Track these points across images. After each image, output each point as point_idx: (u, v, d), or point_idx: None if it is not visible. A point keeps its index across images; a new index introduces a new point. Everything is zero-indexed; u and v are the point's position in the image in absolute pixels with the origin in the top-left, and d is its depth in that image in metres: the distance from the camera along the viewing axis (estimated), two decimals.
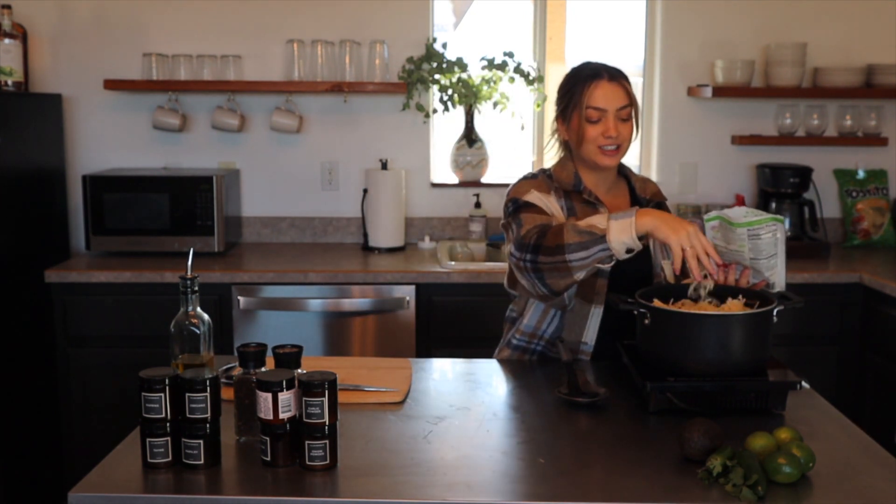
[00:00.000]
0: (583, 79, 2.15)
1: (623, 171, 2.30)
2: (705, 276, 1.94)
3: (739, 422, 1.74)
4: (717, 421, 1.60)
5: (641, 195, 2.27)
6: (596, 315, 2.14)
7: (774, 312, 1.84)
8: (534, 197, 2.13)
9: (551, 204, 2.14)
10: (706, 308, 1.89)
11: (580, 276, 1.95)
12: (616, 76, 2.15)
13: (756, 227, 1.90)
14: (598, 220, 1.92)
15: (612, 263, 1.96)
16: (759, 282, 1.99)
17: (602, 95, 2.12)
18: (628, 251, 1.91)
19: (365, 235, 3.66)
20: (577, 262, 1.91)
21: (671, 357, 1.84)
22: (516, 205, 2.13)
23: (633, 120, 2.16)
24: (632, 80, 2.20)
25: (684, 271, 1.92)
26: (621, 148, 2.15)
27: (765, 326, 1.84)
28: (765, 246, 1.92)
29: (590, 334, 2.15)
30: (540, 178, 2.20)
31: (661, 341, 1.86)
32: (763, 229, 1.90)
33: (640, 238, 1.90)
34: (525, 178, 2.21)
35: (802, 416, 1.83)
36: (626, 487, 1.51)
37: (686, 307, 1.90)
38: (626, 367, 1.97)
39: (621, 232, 1.88)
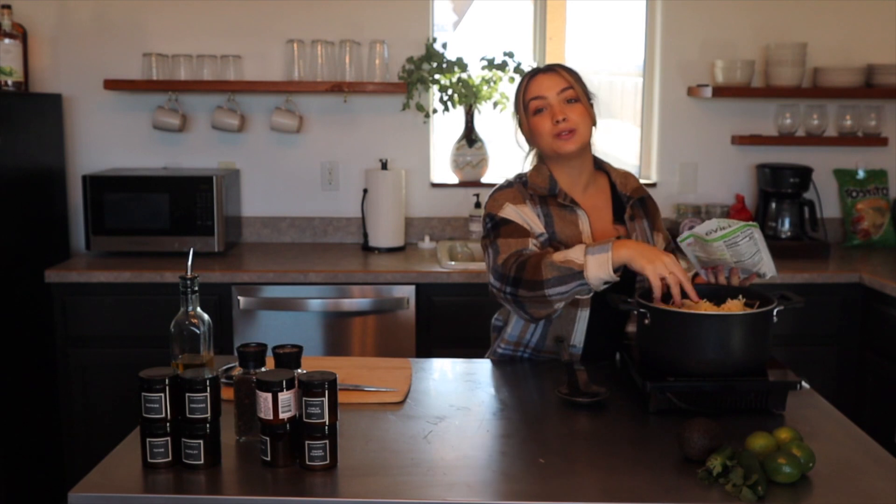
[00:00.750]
0: (522, 81, 2.21)
1: (602, 167, 2.29)
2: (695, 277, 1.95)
3: (739, 422, 1.74)
4: (717, 421, 1.60)
5: (622, 191, 2.25)
6: (583, 318, 2.14)
7: (774, 312, 1.84)
8: (508, 211, 2.13)
9: (526, 214, 2.14)
10: (706, 308, 1.89)
11: (560, 306, 2.00)
12: (552, 68, 2.18)
13: (731, 238, 1.90)
14: (575, 255, 1.94)
15: (591, 294, 2.00)
16: (749, 276, 2.00)
17: (537, 86, 2.15)
18: (605, 283, 1.94)
19: (365, 235, 3.66)
20: (556, 296, 1.96)
21: (671, 357, 1.84)
22: (493, 222, 2.13)
23: (585, 104, 2.15)
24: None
25: (665, 298, 1.90)
26: (577, 132, 2.12)
27: (765, 326, 1.84)
28: (744, 250, 1.92)
29: (577, 337, 2.15)
30: (515, 188, 2.19)
31: (661, 341, 1.86)
32: (738, 237, 1.90)
33: (616, 270, 1.92)
34: (500, 189, 2.20)
35: (802, 416, 1.83)
36: (626, 487, 1.51)
37: (686, 307, 1.90)
38: (627, 367, 1.97)
39: (598, 268, 1.91)
